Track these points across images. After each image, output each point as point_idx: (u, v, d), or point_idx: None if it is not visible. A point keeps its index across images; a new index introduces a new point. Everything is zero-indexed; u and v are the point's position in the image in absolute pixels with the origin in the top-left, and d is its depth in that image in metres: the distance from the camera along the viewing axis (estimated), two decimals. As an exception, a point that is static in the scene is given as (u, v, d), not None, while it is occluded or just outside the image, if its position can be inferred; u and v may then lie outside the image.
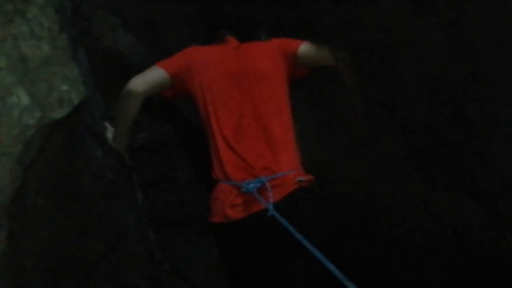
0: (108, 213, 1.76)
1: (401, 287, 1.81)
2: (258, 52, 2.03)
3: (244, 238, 1.87)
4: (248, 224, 1.84)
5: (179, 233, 3.21)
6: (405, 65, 1.73)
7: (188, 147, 3.15)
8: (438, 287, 1.71)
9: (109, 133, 1.87)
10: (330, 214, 2.43)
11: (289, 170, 1.88)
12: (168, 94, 2.01)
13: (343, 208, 2.16)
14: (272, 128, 1.94)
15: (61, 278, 1.43)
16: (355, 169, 2.16)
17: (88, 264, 1.58)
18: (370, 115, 1.91)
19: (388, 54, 1.77)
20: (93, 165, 1.68)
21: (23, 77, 1.21)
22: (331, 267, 1.27)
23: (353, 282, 1.21)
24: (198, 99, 1.97)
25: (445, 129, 1.62)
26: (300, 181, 1.87)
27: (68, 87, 1.30)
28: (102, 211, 1.72)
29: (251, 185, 1.82)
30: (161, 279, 2.40)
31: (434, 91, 1.65)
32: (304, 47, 2.06)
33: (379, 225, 1.98)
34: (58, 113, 1.28)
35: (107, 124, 1.91)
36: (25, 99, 1.21)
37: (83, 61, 1.80)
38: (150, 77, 1.93)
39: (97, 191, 1.67)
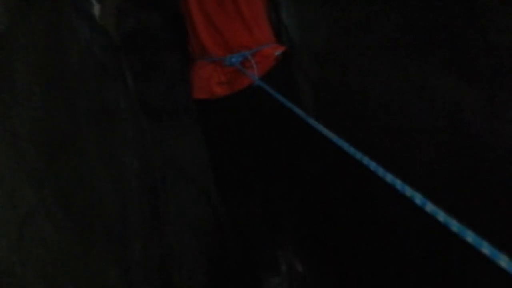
0: (99, 94, 1.75)
1: (393, 168, 1.87)
2: None
3: (230, 114, 1.95)
4: (233, 100, 1.90)
5: (170, 124, 3.23)
6: None
7: (176, 36, 3.09)
8: (430, 167, 1.76)
9: (96, 10, 1.83)
10: (320, 94, 2.45)
11: (266, 44, 1.95)
12: None
13: (336, 91, 2.17)
14: (243, 7, 1.93)
15: (57, 155, 1.45)
16: (349, 52, 2.14)
17: (82, 146, 1.59)
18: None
19: None
20: (80, 42, 1.65)
21: None
22: (321, 128, 1.28)
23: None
24: None
25: (447, 5, 1.58)
26: (278, 55, 1.97)
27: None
28: (93, 92, 1.71)
29: (234, 59, 1.87)
30: (153, 165, 2.45)
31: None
32: None
33: (372, 109, 2.00)
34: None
35: (93, 0, 1.86)
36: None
37: None
38: None
39: (86, 71, 1.65)
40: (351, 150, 1.15)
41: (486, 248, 0.80)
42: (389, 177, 1.03)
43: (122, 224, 1.71)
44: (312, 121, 1.35)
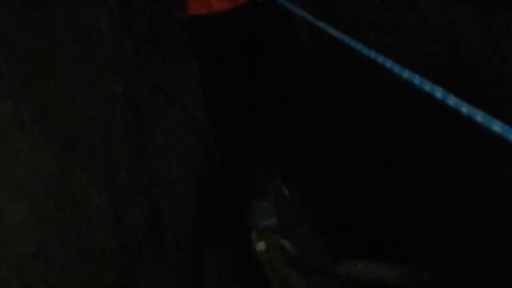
0: (78, 11, 1.65)
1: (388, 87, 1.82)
2: None
3: (229, 31, 1.81)
4: (233, 16, 1.76)
5: (157, 50, 3.12)
6: None
7: None
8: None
9: None
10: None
11: None
12: None
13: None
14: None
15: (32, 74, 1.37)
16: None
17: (60, 65, 1.51)
18: None
19: None
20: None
21: None
22: (333, 32, 1.21)
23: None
24: None
25: None
26: None
27: None
28: (70, 8, 1.61)
29: None
30: (138, 90, 2.37)
31: None
32: None
33: (367, 31, 1.92)
34: None
35: None
36: None
37: None
38: None
39: (62, -16, 1.53)
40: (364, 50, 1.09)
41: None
42: (406, 74, 1.00)
43: (106, 149, 1.66)
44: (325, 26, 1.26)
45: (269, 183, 2.17)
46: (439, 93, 0.92)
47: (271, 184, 2.18)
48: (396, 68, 1.04)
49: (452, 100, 0.89)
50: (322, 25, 1.32)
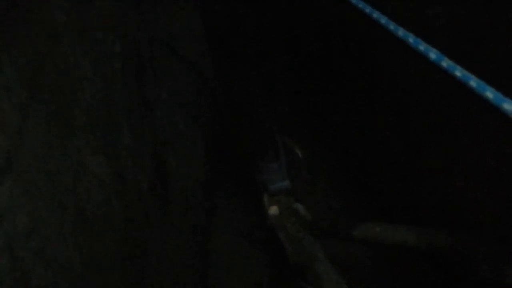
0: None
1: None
2: None
3: None
4: None
5: (161, 6, 2.96)
6: None
7: None
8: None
9: None
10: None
11: None
12: None
13: None
14: None
15: (17, 26, 1.25)
16: None
17: (48, 17, 1.38)
18: None
19: None
20: None
21: None
22: None
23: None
24: None
25: None
26: None
27: None
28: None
29: None
30: (140, 45, 2.23)
31: None
32: None
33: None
34: None
35: None
36: None
37: None
38: None
39: None
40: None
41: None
42: (400, 32, 0.94)
43: (106, 110, 1.55)
44: None
45: (280, 142, 2.07)
46: (433, 54, 0.88)
47: (283, 143, 2.08)
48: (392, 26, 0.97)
49: (445, 63, 0.85)
50: None
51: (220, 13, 2.01)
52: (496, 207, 1.59)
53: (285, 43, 2.32)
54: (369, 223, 1.66)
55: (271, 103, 2.31)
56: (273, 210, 1.93)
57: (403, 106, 1.87)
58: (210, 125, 2.76)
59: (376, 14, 1.04)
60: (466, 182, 1.68)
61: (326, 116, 2.41)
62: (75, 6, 1.42)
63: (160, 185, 1.96)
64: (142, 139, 1.93)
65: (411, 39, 0.96)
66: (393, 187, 1.95)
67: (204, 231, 2.22)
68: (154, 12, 2.67)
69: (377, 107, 1.97)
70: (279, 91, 2.25)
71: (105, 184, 1.37)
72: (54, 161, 1.11)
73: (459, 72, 0.88)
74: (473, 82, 0.84)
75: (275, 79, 2.28)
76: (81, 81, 1.40)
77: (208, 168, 2.55)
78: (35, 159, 1.02)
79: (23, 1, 1.26)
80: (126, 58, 1.86)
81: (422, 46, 0.93)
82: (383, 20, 1.01)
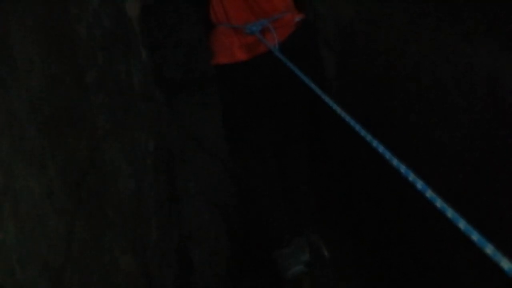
0: (109, 66, 1.63)
1: (426, 143, 1.72)
2: None
3: (250, 78, 2.01)
4: (254, 64, 1.96)
5: (189, 96, 3.12)
6: None
7: (196, 7, 2.96)
8: (465, 142, 1.61)
9: None
10: (344, 65, 2.31)
11: (285, 11, 1.96)
12: None
13: (361, 62, 2.04)
14: None
15: (61, 130, 1.34)
16: (377, 24, 2.00)
17: (90, 118, 1.48)
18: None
19: None
20: (88, 12, 1.52)
21: None
22: (335, 107, 1.23)
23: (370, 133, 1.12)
24: None
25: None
26: (298, 21, 1.98)
27: None
28: (102, 64, 1.59)
29: (254, 28, 1.90)
30: (171, 141, 2.34)
31: None
32: None
33: (400, 82, 1.85)
34: None
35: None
36: None
37: None
38: None
39: (95, 41, 1.52)
40: (366, 135, 1.06)
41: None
42: (403, 168, 0.97)
43: (136, 207, 1.61)
44: (327, 99, 1.27)
45: (306, 240, 2.09)
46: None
47: (309, 242, 2.10)
48: (395, 163, 0.99)
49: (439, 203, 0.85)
50: (328, 100, 1.29)
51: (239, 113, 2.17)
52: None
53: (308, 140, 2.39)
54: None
55: (291, 197, 2.34)
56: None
57: (430, 215, 1.88)
58: (234, 217, 2.79)
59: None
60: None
61: (351, 213, 2.41)
62: (117, 112, 1.53)
63: (184, 279, 1.97)
64: (168, 234, 1.96)
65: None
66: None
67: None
68: (184, 109, 2.82)
69: (406, 206, 1.98)
70: (301, 186, 2.30)
71: (133, 281, 1.39)
72: (86, 261, 1.14)
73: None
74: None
75: (294, 178, 2.35)
76: (116, 180, 1.47)
77: (232, 258, 2.55)
78: (68, 260, 1.06)
79: (69, 106, 1.36)
80: (158, 154, 1.95)
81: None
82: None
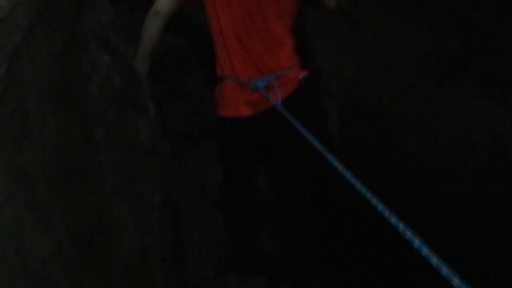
0: (118, 122, 1.68)
1: (428, 200, 1.74)
2: None
3: (252, 133, 2.07)
4: (258, 119, 2.02)
5: (195, 148, 3.16)
6: None
7: (202, 59, 3.05)
8: (467, 199, 1.63)
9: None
10: (347, 118, 2.35)
11: (289, 68, 2.01)
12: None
13: (364, 115, 2.08)
14: (273, 30, 2.00)
15: (71, 188, 1.37)
16: (379, 78, 2.05)
17: (99, 175, 1.51)
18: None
19: None
20: (100, 71, 1.58)
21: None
22: (338, 166, 1.26)
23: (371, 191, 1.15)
24: None
25: (483, 26, 1.46)
26: (302, 78, 2.02)
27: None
28: (112, 120, 1.64)
29: (259, 83, 1.94)
30: (177, 193, 2.36)
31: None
32: None
33: (403, 135, 1.88)
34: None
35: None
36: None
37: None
38: None
39: (106, 99, 1.57)
40: (364, 191, 1.09)
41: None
42: (392, 220, 0.99)
43: (142, 263, 1.61)
44: (329, 157, 1.31)
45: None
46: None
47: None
48: (386, 214, 1.03)
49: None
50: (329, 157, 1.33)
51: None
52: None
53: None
54: None
55: (295, 253, 2.34)
56: None
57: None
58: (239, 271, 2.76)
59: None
60: None
61: (354, 267, 2.40)
62: (125, 168, 1.56)
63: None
64: (172, 286, 1.95)
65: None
66: None
67: None
68: (190, 160, 2.85)
69: (408, 265, 1.98)
70: (304, 243, 2.31)
71: None
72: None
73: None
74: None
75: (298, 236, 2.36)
76: (123, 237, 1.48)
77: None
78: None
79: (79, 163, 1.39)
80: (164, 207, 1.96)
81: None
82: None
